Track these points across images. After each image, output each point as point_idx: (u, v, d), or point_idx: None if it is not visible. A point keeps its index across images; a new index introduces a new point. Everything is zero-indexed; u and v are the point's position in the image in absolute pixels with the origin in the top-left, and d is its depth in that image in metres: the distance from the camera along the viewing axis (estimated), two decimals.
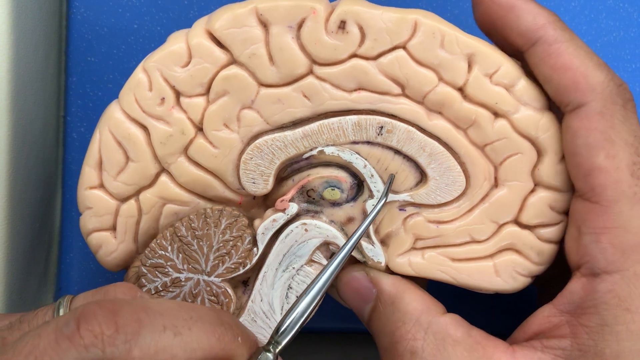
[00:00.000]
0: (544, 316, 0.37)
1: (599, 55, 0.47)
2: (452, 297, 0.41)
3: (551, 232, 0.38)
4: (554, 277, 0.42)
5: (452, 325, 0.37)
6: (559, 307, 0.37)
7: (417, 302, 0.38)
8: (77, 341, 0.30)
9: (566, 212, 0.38)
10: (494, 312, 0.47)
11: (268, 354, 0.34)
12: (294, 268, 0.39)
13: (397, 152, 0.38)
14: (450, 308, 0.39)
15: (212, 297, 0.38)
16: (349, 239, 0.37)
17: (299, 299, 0.35)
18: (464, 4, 0.48)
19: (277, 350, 0.34)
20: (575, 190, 0.37)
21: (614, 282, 0.35)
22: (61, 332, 0.30)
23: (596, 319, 0.35)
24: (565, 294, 0.37)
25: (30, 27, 0.42)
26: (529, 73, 0.38)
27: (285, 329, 0.35)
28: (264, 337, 0.39)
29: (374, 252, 0.39)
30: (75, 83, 0.48)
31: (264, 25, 0.37)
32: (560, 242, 0.39)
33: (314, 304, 0.36)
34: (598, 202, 0.36)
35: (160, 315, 0.31)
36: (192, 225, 0.38)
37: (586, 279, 0.36)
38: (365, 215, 0.39)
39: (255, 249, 0.38)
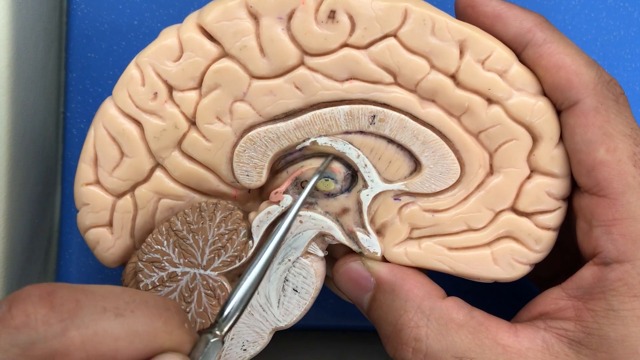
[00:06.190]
0: (551, 298, 0.38)
1: (599, 54, 0.47)
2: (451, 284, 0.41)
3: (549, 218, 0.38)
4: (556, 275, 0.42)
5: (454, 309, 0.38)
6: (567, 291, 0.37)
7: (417, 288, 0.38)
8: (7, 322, 0.28)
9: (564, 199, 0.38)
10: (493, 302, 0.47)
11: (214, 338, 0.33)
12: (290, 260, 0.39)
13: (390, 141, 0.38)
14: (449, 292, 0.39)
15: (209, 291, 0.38)
16: (282, 220, 0.37)
17: (240, 280, 0.35)
18: None
19: (223, 332, 0.33)
20: (579, 187, 0.37)
21: (625, 271, 0.36)
22: None
23: (603, 304, 0.36)
24: (574, 279, 0.37)
25: (30, 24, 0.42)
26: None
27: (230, 311, 0.34)
28: (261, 330, 0.39)
29: (370, 242, 0.39)
30: (75, 79, 0.48)
31: (255, 17, 0.37)
32: (560, 231, 0.39)
33: (255, 284, 0.35)
34: (605, 195, 0.36)
35: (100, 297, 0.30)
36: (187, 219, 0.38)
37: (597, 267, 0.36)
38: (360, 205, 0.38)
39: (250, 241, 0.38)
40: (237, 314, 0.34)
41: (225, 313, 0.34)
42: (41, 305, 0.28)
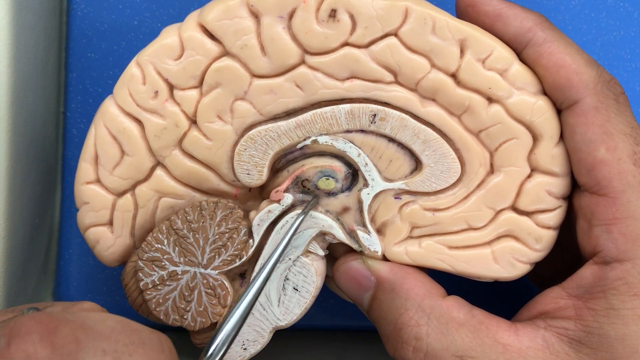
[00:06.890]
0: (551, 297, 0.38)
1: (599, 54, 0.47)
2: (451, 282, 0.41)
3: (549, 217, 0.38)
4: (556, 274, 0.42)
5: (455, 308, 0.38)
6: (567, 290, 0.37)
7: (417, 287, 0.38)
8: None
9: (564, 198, 0.38)
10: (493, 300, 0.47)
11: None
12: (290, 259, 0.39)
13: (391, 139, 0.38)
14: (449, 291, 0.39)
15: (209, 290, 0.38)
16: (273, 252, 0.37)
17: (226, 317, 0.34)
18: None
19: None
20: (579, 185, 0.37)
21: (625, 270, 0.36)
22: None
23: (603, 303, 0.36)
24: (574, 278, 0.37)
25: (30, 24, 0.42)
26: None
27: (214, 350, 0.34)
28: (261, 329, 0.39)
29: (370, 241, 0.39)
30: (75, 79, 0.48)
31: (255, 16, 0.37)
32: (561, 230, 0.39)
33: (242, 321, 0.34)
34: (605, 194, 0.36)
35: (100, 337, 0.29)
36: (188, 218, 0.38)
37: (597, 266, 0.36)
38: (360, 204, 0.38)
39: (251, 240, 0.38)
40: (223, 350, 0.34)
41: (210, 352, 0.34)
42: (42, 346, 0.27)
